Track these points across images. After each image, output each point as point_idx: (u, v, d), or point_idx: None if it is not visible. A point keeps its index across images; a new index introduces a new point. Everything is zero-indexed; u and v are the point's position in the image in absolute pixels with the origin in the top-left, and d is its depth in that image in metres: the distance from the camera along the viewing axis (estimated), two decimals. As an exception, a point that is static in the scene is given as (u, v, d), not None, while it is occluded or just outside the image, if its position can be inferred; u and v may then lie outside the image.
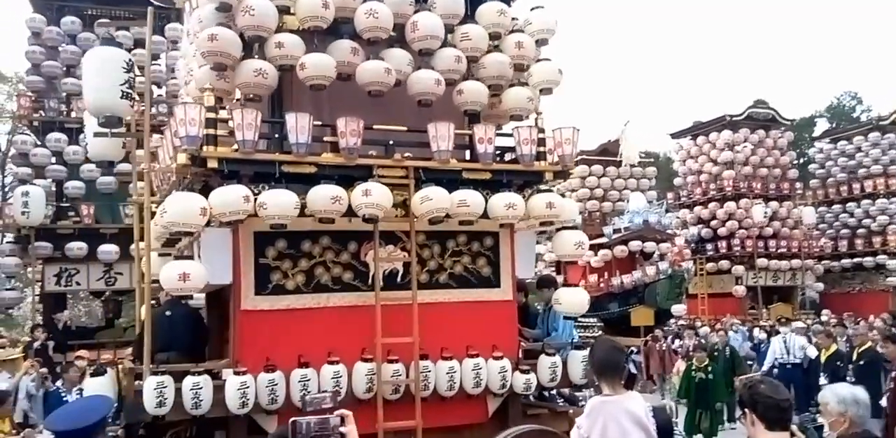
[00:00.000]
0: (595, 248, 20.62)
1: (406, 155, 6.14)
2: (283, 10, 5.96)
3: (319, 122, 5.94)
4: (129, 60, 5.74)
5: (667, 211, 23.81)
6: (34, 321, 15.15)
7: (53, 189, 15.24)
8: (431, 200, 5.83)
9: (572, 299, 6.57)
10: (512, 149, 6.63)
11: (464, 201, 5.92)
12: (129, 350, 11.56)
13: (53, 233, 14.51)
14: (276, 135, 5.97)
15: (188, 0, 6.94)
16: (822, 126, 35.13)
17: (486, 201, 6.16)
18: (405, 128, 6.30)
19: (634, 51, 71.02)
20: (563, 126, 6.42)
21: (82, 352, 11.42)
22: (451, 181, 6.16)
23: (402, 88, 6.30)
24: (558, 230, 6.52)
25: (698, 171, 26.71)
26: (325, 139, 6.00)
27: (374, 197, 5.63)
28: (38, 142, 15.09)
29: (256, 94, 5.87)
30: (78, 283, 15.09)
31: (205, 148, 5.51)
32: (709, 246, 25.46)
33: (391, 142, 6.20)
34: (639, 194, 23.50)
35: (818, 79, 59.54)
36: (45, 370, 10.86)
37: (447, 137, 6.08)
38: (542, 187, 6.51)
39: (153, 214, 6.25)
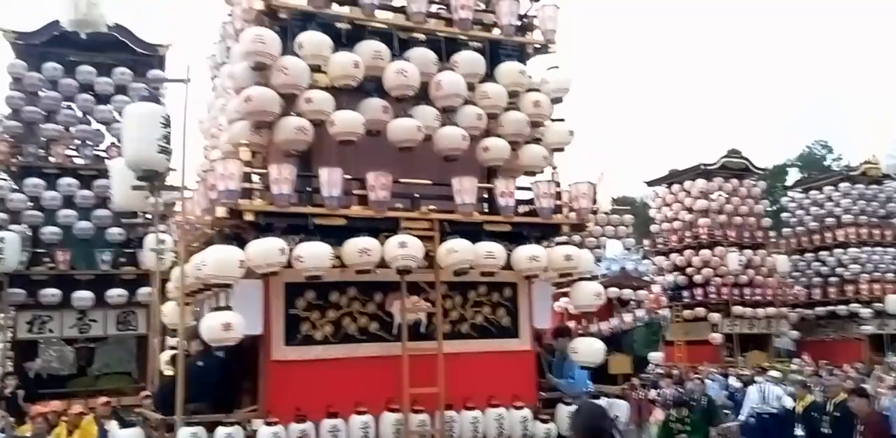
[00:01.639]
0: (573, 295, 20.94)
1: (431, 207, 6.49)
2: (315, 69, 6.33)
3: (349, 176, 6.28)
4: (167, 116, 6.05)
5: (644, 257, 24.31)
6: (5, 369, 14.99)
7: (29, 234, 15.24)
8: (457, 252, 6.18)
9: (588, 349, 6.92)
10: (527, 202, 7.04)
11: (490, 253, 6.29)
12: (102, 399, 11.61)
13: (27, 280, 14.50)
14: (308, 188, 6.28)
15: (215, 54, 7.26)
16: (794, 174, 36.51)
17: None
18: (430, 182, 6.67)
19: (611, 97, 72.95)
20: (580, 181, 6.85)
21: (54, 403, 11.41)
22: (473, 233, 6.52)
23: (422, 142, 6.69)
24: (575, 281, 6.89)
25: (674, 219, 27.40)
26: (355, 192, 6.34)
27: (410, 248, 5.98)
28: (15, 187, 15.16)
29: (295, 150, 6.20)
30: (51, 331, 15.04)
31: (241, 201, 5.82)
32: (685, 294, 25.96)
33: (416, 195, 6.56)
34: (615, 241, 24.03)
35: (790, 127, 61.74)
36: (13, 419, 10.89)
37: (471, 191, 6.49)
38: (560, 239, 6.90)
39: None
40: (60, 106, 15.42)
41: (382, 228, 6.29)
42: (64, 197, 15.00)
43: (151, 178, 6.04)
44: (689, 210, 26.87)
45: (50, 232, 14.96)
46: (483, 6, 7.32)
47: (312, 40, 6.27)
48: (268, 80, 6.16)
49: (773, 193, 37.14)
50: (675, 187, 27.53)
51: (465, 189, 6.45)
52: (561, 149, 7.14)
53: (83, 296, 14.42)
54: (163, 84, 16.26)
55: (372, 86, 6.62)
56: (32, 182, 14.93)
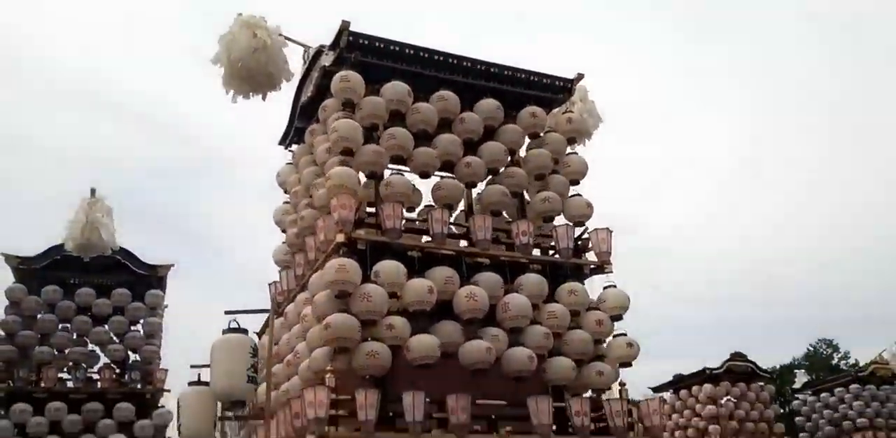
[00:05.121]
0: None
1: (507, 429, 6.92)
2: (391, 295, 6.98)
3: (429, 400, 6.73)
4: (254, 346, 6.56)
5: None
6: None
7: (9, 464, 14.97)
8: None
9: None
10: (598, 419, 7.49)
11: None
12: None
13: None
14: (391, 414, 6.70)
15: (280, 281, 7.93)
16: (801, 374, 37.21)
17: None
18: (505, 403, 7.13)
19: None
20: (650, 397, 7.37)
21: None
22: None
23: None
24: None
25: (685, 426, 27.34)
26: (434, 415, 6.77)
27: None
28: (1, 413, 15.10)
29: (372, 374, 6.71)
30: None
31: (328, 427, 6.22)
32: (704, 513, 25.40)
33: (493, 416, 7.00)
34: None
35: (794, 324, 62.45)
36: None
37: (547, 412, 6.95)
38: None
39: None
40: (56, 328, 15.75)
41: (462, 451, 6.66)
42: (50, 422, 14.90)
43: (239, 407, 6.44)
44: (700, 416, 26.93)
45: (30, 459, 14.75)
46: (541, 231, 8.21)
47: (389, 269, 7.00)
48: (348, 307, 6.78)
49: (783, 394, 37.52)
50: (683, 392, 27.77)
51: (542, 410, 6.91)
52: (629, 364, 7.75)
53: None
54: (162, 305, 16.84)
55: (442, 309, 7.25)
56: (20, 407, 14.88)
